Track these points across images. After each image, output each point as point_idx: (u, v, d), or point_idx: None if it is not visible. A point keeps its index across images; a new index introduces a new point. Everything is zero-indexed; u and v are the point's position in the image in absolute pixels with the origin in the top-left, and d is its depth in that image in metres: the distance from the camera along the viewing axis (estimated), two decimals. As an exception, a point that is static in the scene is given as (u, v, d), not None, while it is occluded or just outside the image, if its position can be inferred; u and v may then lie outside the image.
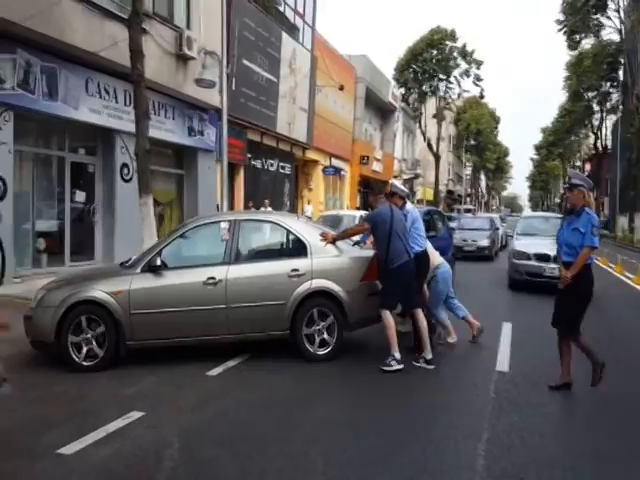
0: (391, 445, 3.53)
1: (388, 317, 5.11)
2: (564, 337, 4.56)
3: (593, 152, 43.22)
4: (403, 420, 3.97)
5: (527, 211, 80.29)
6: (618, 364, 5.16)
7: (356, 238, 5.82)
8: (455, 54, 36.31)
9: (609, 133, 39.18)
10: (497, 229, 19.04)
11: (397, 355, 5.01)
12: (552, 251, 9.39)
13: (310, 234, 5.43)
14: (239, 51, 14.29)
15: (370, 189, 5.66)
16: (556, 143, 51.36)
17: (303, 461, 3.29)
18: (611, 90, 35.45)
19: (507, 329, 6.87)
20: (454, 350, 5.94)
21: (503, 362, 5.42)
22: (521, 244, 10.78)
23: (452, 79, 37.42)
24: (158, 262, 5.11)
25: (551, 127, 51.13)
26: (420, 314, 5.26)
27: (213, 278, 5.08)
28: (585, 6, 28.72)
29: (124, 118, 10.21)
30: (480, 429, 3.78)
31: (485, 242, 16.60)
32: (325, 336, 5.28)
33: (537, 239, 10.85)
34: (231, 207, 13.93)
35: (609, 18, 30.04)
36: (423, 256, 5.64)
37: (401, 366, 4.97)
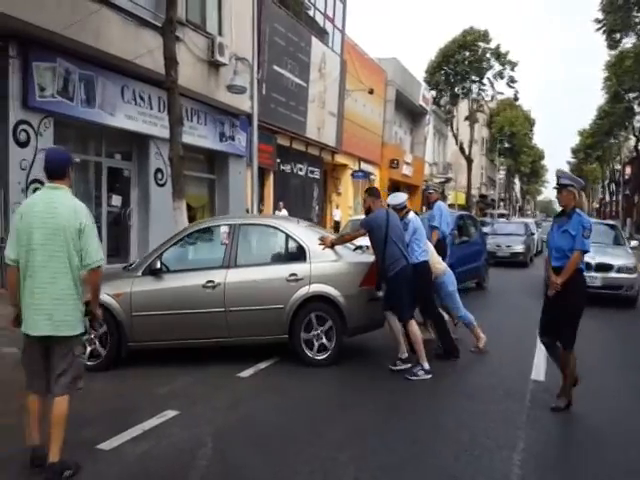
0: (423, 451, 3.48)
1: (414, 328, 5.05)
2: (563, 349, 4.27)
3: (634, 155, 41.79)
4: (435, 427, 3.91)
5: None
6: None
7: (365, 242, 5.71)
8: (488, 55, 35.65)
9: (650, 135, 37.84)
10: (532, 234, 18.56)
11: (426, 365, 4.96)
12: (593, 259, 9.00)
13: (309, 239, 5.41)
14: (269, 56, 14.44)
15: (367, 191, 5.57)
16: (594, 146, 49.78)
17: (334, 465, 3.28)
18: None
19: (543, 337, 6.70)
20: (487, 357, 5.82)
21: (539, 370, 5.28)
22: None
23: (485, 81, 36.83)
24: (158, 265, 5.18)
25: (589, 129, 49.61)
26: (414, 325, 5.16)
27: (212, 281, 5.12)
28: (626, 3, 27.76)
29: (158, 124, 10.46)
30: (515, 438, 3.68)
31: (520, 248, 16.21)
32: (324, 341, 5.25)
33: None
34: (260, 211, 14.07)
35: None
36: (424, 267, 5.53)
37: (429, 376, 4.91)
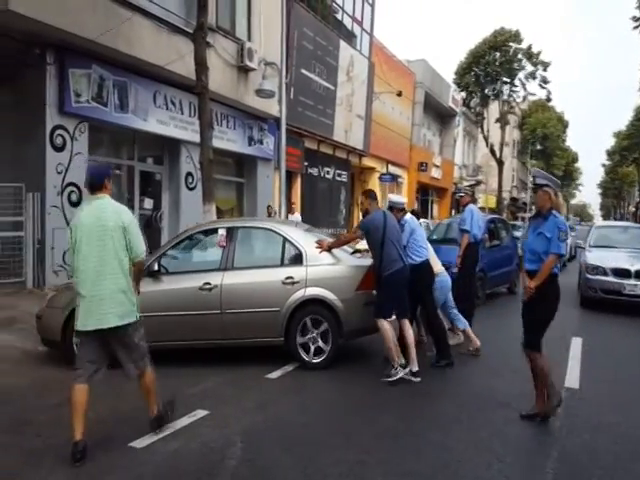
0: (453, 458, 3.41)
1: (384, 326, 4.96)
2: (524, 348, 4.16)
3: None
4: (466, 433, 3.83)
5: (598, 220, 76.14)
6: None
7: (363, 246, 5.67)
8: (520, 56, 34.95)
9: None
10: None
11: (400, 361, 4.89)
12: (633, 265, 8.77)
13: (306, 242, 5.39)
14: (298, 60, 14.52)
15: (364, 193, 5.51)
16: (631, 148, 48.13)
17: (362, 468, 3.25)
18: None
19: (577, 344, 6.50)
20: (518, 364, 5.66)
21: (573, 379, 5.13)
22: (595, 257, 9.59)
23: (516, 82, 36.12)
24: (156, 267, 5.22)
25: (625, 131, 48.09)
26: (407, 324, 5.07)
27: (209, 284, 5.14)
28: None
29: (189, 129, 10.63)
30: (549, 447, 3.58)
31: None
32: (320, 344, 5.21)
33: (614, 251, 9.74)
34: (287, 215, 14.12)
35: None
36: (424, 267, 5.46)
37: (406, 370, 4.86)
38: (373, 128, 19.97)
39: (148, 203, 10.47)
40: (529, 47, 35.03)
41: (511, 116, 41.62)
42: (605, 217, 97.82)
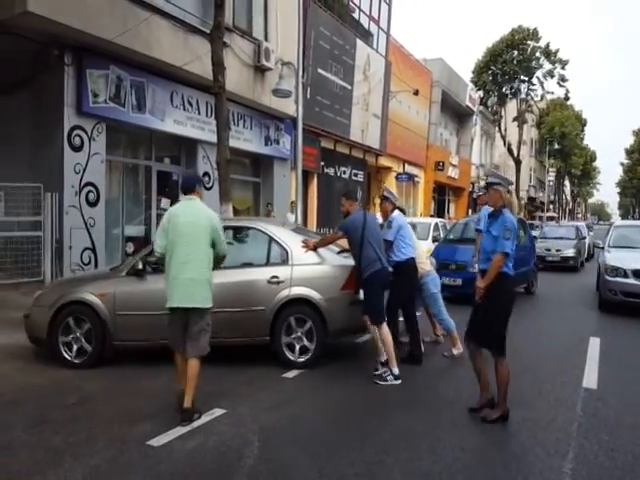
0: (471, 458, 3.37)
1: (384, 331, 4.90)
2: (494, 356, 4.02)
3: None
4: (484, 433, 3.77)
5: (616, 219, 74.66)
6: None
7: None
8: (538, 54, 34.51)
9: None
10: (583, 238, 17.80)
11: (395, 370, 4.81)
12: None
13: (292, 241, 5.35)
14: (314, 60, 14.48)
15: (344, 195, 5.47)
16: (651, 146, 47.34)
17: (380, 469, 3.21)
18: None
19: (595, 344, 6.41)
20: (536, 364, 5.57)
21: (591, 378, 5.04)
22: (615, 258, 9.19)
23: (534, 80, 35.66)
24: (141, 266, 5.21)
25: (645, 129, 47.22)
26: (385, 328, 4.97)
27: None
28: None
29: (206, 129, 10.66)
30: (566, 447, 3.52)
31: (570, 252, 15.62)
32: (305, 342, 5.16)
33: (635, 252, 9.32)
34: (305, 214, 14.09)
35: None
36: (408, 264, 5.40)
37: (398, 381, 4.77)
38: (390, 127, 19.85)
39: (165, 203, 10.50)
40: (547, 45, 34.58)
41: (529, 115, 41.08)
42: (624, 216, 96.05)
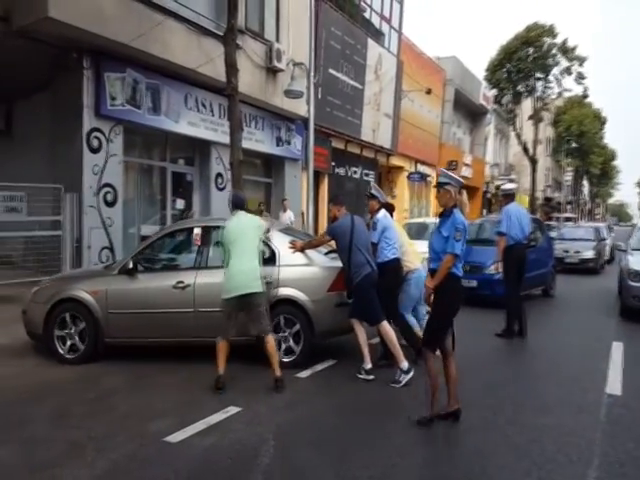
0: (490, 463, 3.34)
1: (385, 328, 4.94)
2: (443, 357, 4.03)
3: None
4: (503, 439, 3.74)
5: (638, 221, 72.97)
6: None
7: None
8: (554, 51, 33.91)
9: None
10: (603, 240, 17.35)
11: (404, 365, 4.84)
12: None
13: (280, 242, 5.38)
14: (325, 60, 14.53)
15: (330, 200, 5.53)
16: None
17: (394, 472, 3.23)
18: None
19: (618, 349, 6.27)
20: (557, 369, 5.55)
21: (614, 384, 4.94)
22: (639, 261, 8.70)
23: (551, 78, 35.14)
24: (131, 265, 5.32)
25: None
26: (385, 326, 5.00)
27: (182, 282, 5.20)
28: None
29: (219, 130, 10.78)
30: (590, 455, 3.46)
31: (590, 254, 15.29)
32: (291, 343, 5.20)
33: None
34: (316, 214, 14.17)
35: None
36: (392, 266, 5.38)
37: (410, 374, 4.80)
38: (401, 127, 19.82)
39: (180, 203, 10.66)
40: (564, 41, 33.98)
41: (545, 113, 40.57)
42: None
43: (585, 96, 38.83)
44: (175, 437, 3.59)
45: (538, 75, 34.51)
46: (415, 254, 5.93)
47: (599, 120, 52.62)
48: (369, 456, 3.41)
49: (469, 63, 55.07)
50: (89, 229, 8.49)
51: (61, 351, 5.32)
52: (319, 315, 5.17)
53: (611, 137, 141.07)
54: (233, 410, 4.09)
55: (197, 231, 5.51)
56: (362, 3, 16.96)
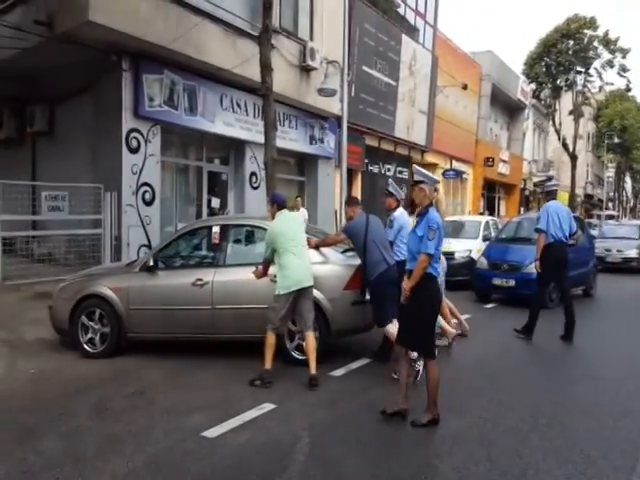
0: (530, 467, 3.25)
1: (389, 332, 4.88)
2: (423, 358, 3.93)
3: None
4: (541, 440, 3.64)
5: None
6: None
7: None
8: (595, 43, 32.77)
9: None
10: None
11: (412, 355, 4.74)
12: None
13: None
14: (359, 58, 14.46)
15: (345, 203, 5.63)
16: None
17: (433, 473, 3.19)
18: None
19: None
20: (601, 371, 5.36)
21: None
22: None
23: (592, 71, 33.97)
24: (152, 263, 5.42)
25: None
26: (389, 328, 4.91)
27: (200, 280, 5.25)
28: None
29: (253, 130, 10.88)
30: (634, 460, 3.33)
31: (633, 252, 14.86)
32: (304, 342, 5.08)
33: None
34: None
35: None
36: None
37: (420, 364, 4.75)
38: (436, 123, 19.54)
39: (215, 202, 10.82)
40: (606, 33, 32.80)
41: (585, 108, 39.21)
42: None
43: (628, 89, 37.38)
44: (212, 432, 3.64)
45: (578, 68, 33.46)
46: None
47: (643, 114, 50.44)
48: (406, 457, 3.37)
49: (506, 57, 53.76)
50: (128, 227, 8.72)
51: (85, 345, 5.49)
52: (335, 313, 5.16)
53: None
54: (268, 407, 4.12)
55: (216, 229, 5.58)
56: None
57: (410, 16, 17.87)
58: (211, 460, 3.28)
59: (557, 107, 34.45)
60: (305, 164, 13.77)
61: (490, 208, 27.33)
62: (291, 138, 12.28)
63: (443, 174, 21.52)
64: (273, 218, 4.97)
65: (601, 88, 38.15)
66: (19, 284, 7.88)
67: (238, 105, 10.68)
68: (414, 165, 4.52)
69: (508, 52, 73.24)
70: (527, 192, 33.41)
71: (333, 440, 3.60)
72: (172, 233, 9.87)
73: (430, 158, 20.20)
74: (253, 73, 8.94)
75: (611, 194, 54.04)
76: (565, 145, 34.35)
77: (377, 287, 4.99)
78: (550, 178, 35.77)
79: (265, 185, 8.70)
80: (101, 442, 3.52)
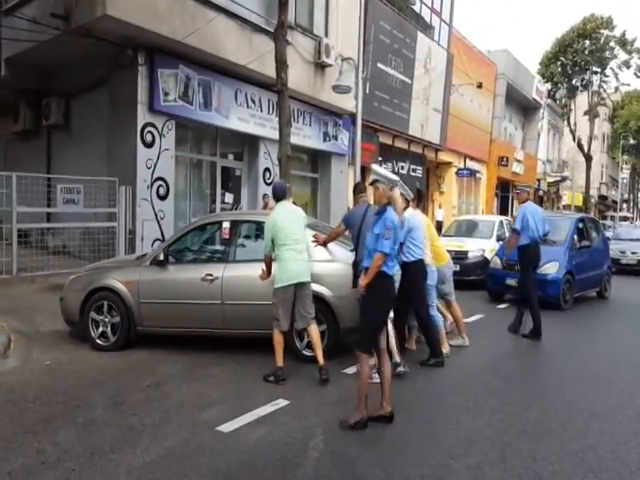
0: (544, 470, 3.21)
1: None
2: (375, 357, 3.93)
3: None
4: (557, 444, 3.58)
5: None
6: None
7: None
8: (612, 44, 32.45)
9: None
10: None
11: (396, 359, 4.81)
12: None
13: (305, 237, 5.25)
14: (374, 55, 14.39)
15: (353, 190, 5.44)
16: None
17: (447, 473, 3.15)
18: None
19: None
20: (612, 374, 5.28)
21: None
22: None
23: (608, 71, 33.61)
24: (162, 257, 5.42)
25: None
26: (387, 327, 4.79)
27: (210, 275, 5.25)
28: None
29: (267, 126, 10.87)
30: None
31: None
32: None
33: None
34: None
35: None
36: (417, 266, 5.26)
37: (402, 369, 4.83)
38: (451, 121, 19.41)
39: (229, 197, 10.84)
40: (623, 34, 32.45)
41: (601, 108, 38.76)
42: None
43: (644, 90, 36.82)
44: (227, 427, 3.63)
45: (594, 69, 33.12)
46: (438, 252, 5.86)
47: (659, 117, 49.71)
48: (420, 456, 3.34)
49: (522, 56, 53.26)
50: (142, 221, 8.76)
51: (96, 338, 5.50)
52: (344, 311, 5.13)
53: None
54: (282, 403, 4.10)
55: (226, 225, 5.57)
56: (412, -4, 16.68)
57: (426, 14, 17.75)
58: (226, 455, 3.27)
59: (572, 107, 34.08)
60: (318, 161, 13.75)
61: (504, 208, 27.12)
62: (305, 134, 12.26)
63: (457, 173, 21.39)
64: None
65: (617, 89, 37.70)
66: (34, 276, 7.95)
67: (253, 101, 10.67)
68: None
69: (524, 51, 72.73)
70: (541, 192, 33.09)
71: (347, 437, 3.58)
72: (181, 228, 9.98)
73: (444, 157, 20.09)
74: (268, 69, 8.94)
75: (625, 196, 53.36)
76: (580, 146, 33.98)
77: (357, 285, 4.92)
78: (565, 178, 35.46)
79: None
80: (117, 434, 3.52)
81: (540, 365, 5.61)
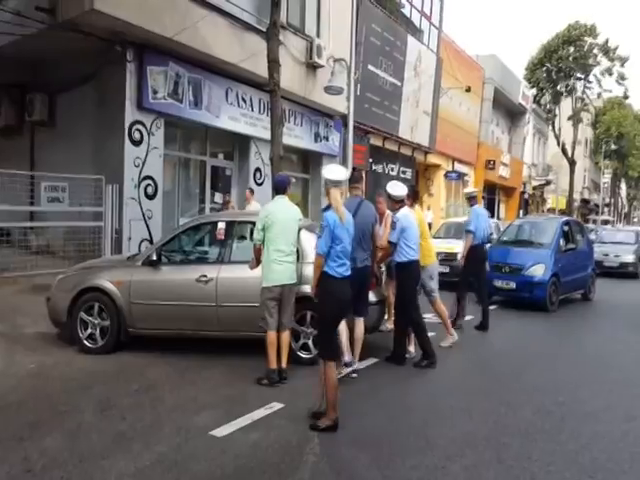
0: (540, 470, 3.21)
1: (341, 329, 4.77)
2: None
3: None
4: (552, 444, 3.58)
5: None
6: None
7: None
8: (595, 51, 33.01)
9: None
10: None
11: (347, 358, 4.81)
12: None
13: (303, 239, 5.18)
14: (365, 57, 14.36)
15: (349, 179, 5.40)
16: None
17: (443, 474, 3.12)
18: None
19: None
20: (603, 374, 5.31)
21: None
22: None
23: (591, 78, 34.16)
24: (155, 257, 5.32)
25: None
26: (360, 324, 4.95)
27: (205, 276, 5.16)
28: None
29: (258, 125, 10.75)
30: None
31: (630, 257, 15.14)
32: (309, 342, 5.07)
33: None
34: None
35: None
36: (410, 267, 5.30)
37: (349, 369, 4.80)
38: (440, 124, 19.48)
39: (218, 197, 10.69)
40: (606, 42, 32.98)
41: (584, 114, 39.36)
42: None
43: (626, 97, 37.67)
44: (220, 431, 3.54)
45: (578, 75, 33.63)
46: (428, 249, 5.93)
47: (639, 122, 50.76)
48: (417, 458, 3.31)
49: (509, 62, 53.86)
50: (129, 221, 8.57)
51: (84, 340, 5.34)
52: None
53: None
54: (276, 406, 4.03)
55: (221, 225, 5.48)
56: (402, 0, 16.70)
57: (416, 17, 17.80)
58: (221, 460, 3.18)
59: (557, 112, 34.55)
60: (310, 162, 13.67)
61: (490, 211, 27.32)
62: (296, 135, 12.17)
63: (445, 175, 21.47)
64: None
65: (600, 95, 38.31)
66: (16, 276, 7.73)
67: (244, 100, 10.55)
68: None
69: (511, 57, 73.57)
70: (526, 195, 33.44)
71: (343, 440, 3.52)
72: (174, 228, 9.83)
73: (433, 159, 20.15)
74: (259, 68, 8.83)
75: (607, 199, 54.23)
76: (564, 150, 34.43)
77: None
78: (549, 182, 35.86)
79: (271, 182, 8.57)
80: (107, 440, 3.40)
81: (530, 366, 5.60)
